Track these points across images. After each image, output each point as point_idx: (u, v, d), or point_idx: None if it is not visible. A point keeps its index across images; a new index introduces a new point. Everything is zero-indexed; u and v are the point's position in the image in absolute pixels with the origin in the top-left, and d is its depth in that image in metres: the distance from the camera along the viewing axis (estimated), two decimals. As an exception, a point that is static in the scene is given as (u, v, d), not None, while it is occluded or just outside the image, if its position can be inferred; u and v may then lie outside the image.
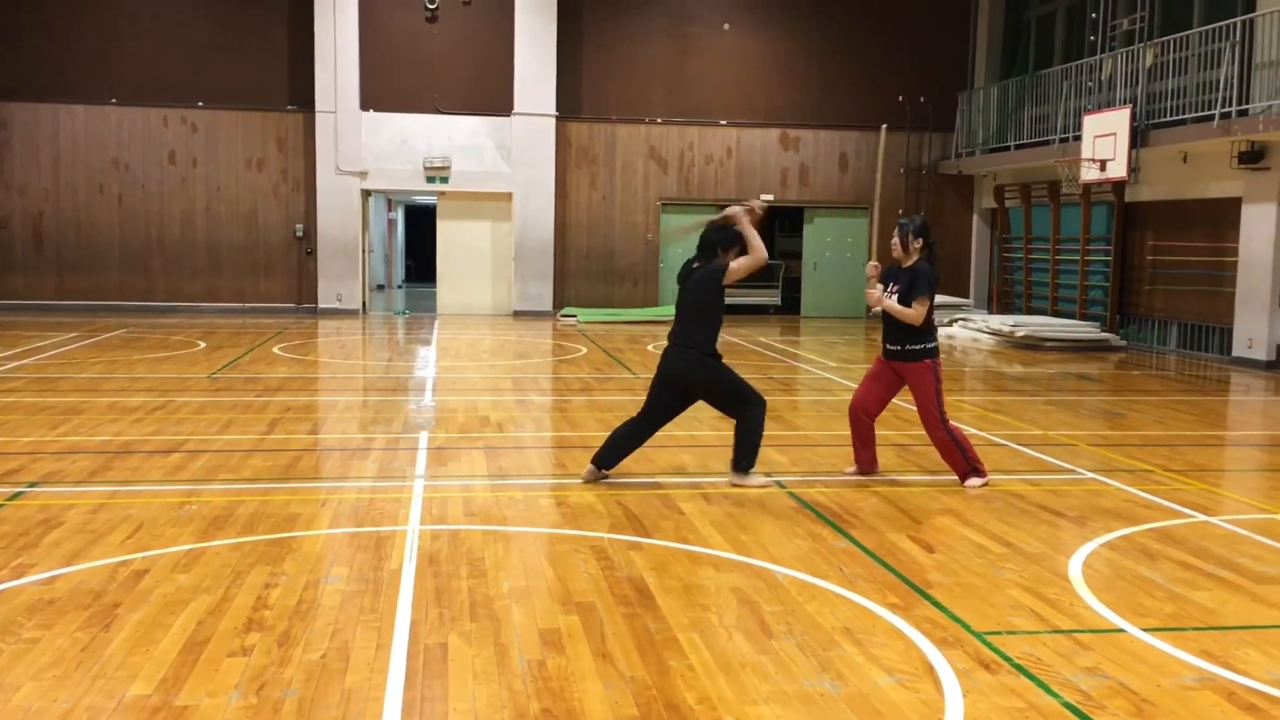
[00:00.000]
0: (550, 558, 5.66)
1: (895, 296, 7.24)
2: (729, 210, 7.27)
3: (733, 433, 7.35)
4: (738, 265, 7.10)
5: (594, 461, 7.37)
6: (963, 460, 7.30)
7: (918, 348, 7.21)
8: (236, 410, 10.07)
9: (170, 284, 21.30)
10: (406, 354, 15.72)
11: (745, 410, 7.17)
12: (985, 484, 7.29)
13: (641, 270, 22.38)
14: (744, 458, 7.26)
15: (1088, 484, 7.54)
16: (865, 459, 7.63)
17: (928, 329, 7.24)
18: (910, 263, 7.28)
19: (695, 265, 7.27)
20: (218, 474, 7.45)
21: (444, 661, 4.27)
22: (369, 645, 4.41)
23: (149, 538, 5.86)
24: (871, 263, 7.65)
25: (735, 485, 7.25)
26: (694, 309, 7.17)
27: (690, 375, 7.15)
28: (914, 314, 7.16)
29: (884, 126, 8.86)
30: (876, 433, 7.67)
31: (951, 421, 7.34)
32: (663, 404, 7.27)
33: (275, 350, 15.05)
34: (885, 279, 7.43)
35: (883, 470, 7.76)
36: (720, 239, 7.21)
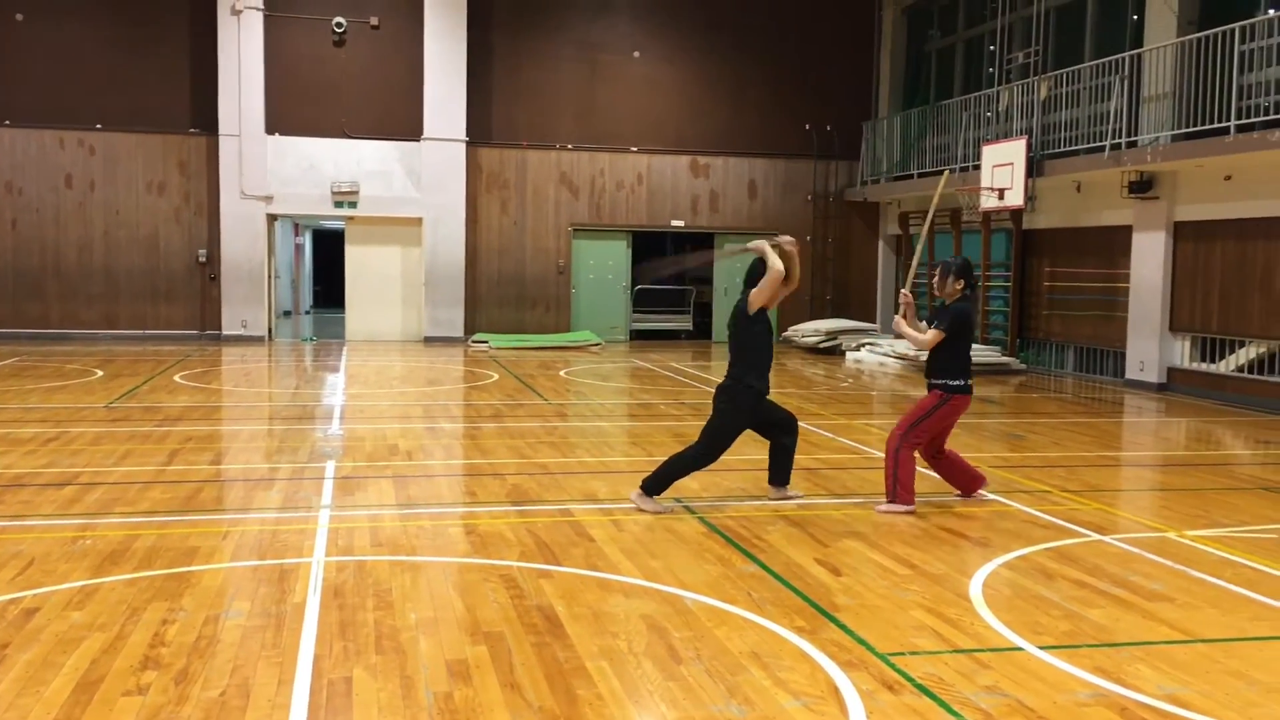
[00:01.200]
0: (459, 587, 5.61)
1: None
2: (753, 244, 7.34)
3: (662, 459, 7.60)
4: (757, 290, 7.18)
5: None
6: (890, 481, 7.42)
7: (938, 381, 7.45)
8: (135, 440, 9.80)
9: (66, 311, 20.68)
10: (314, 381, 15.47)
11: (695, 448, 7.37)
12: (904, 512, 7.35)
13: (553, 296, 22.37)
14: (657, 482, 7.33)
15: (989, 505, 7.72)
16: (962, 484, 7.84)
17: (952, 368, 7.42)
18: (950, 301, 7.51)
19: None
20: (114, 507, 7.24)
21: (348, 696, 4.20)
22: (270, 681, 4.32)
23: (41, 574, 5.66)
24: (904, 291, 7.84)
25: (633, 502, 7.36)
26: (730, 342, 7.39)
27: (715, 399, 7.38)
28: (924, 338, 7.45)
29: (946, 171, 9.14)
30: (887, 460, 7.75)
31: (911, 452, 7.44)
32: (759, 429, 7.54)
33: (176, 378, 14.70)
34: (931, 315, 7.69)
35: (789, 493, 7.86)
36: (759, 269, 7.30)
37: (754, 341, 7.25)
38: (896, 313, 7.84)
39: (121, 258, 20.84)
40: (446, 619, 5.10)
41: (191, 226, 21.04)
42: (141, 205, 20.87)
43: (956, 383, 7.39)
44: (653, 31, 22.45)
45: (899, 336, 7.75)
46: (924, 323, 7.73)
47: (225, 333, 20.89)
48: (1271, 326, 13.80)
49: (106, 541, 6.33)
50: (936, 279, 7.60)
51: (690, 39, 22.56)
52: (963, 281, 7.45)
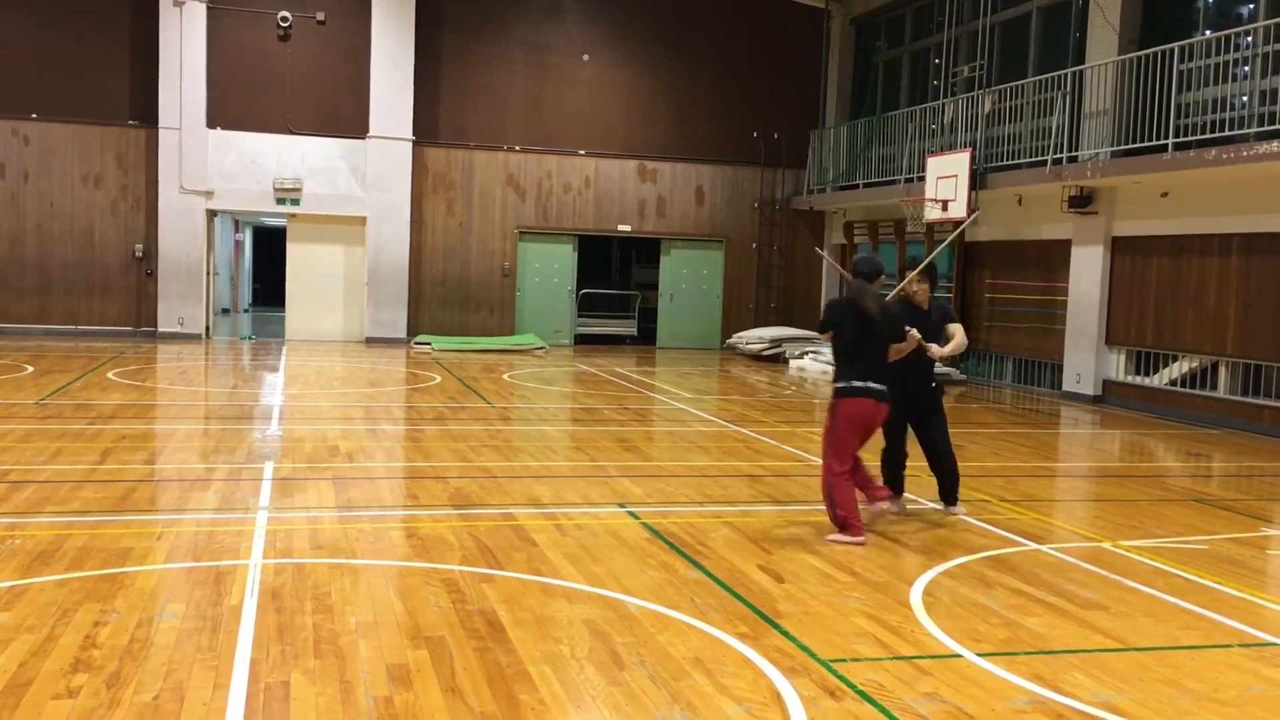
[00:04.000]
0: (400, 591, 5.54)
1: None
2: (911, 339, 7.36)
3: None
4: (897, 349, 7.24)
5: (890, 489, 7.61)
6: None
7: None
8: (66, 438, 9.58)
9: (-4, 304, 20.18)
10: (252, 380, 15.24)
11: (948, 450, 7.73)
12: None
13: (498, 298, 22.25)
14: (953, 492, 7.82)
15: (929, 514, 7.79)
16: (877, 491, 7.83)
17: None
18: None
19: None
20: (44, 506, 7.06)
21: (285, 701, 4.13)
22: (205, 685, 4.23)
23: (-34, 574, 5.51)
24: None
25: (950, 513, 7.79)
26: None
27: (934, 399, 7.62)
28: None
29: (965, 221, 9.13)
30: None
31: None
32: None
33: (110, 375, 14.40)
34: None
35: (732, 500, 7.89)
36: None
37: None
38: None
39: (55, 251, 20.37)
40: (387, 623, 5.03)
41: (128, 220, 20.63)
42: (77, 198, 20.42)
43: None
44: (602, 35, 22.44)
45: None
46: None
47: (161, 330, 20.50)
48: (1204, 341, 14.10)
49: (36, 541, 6.18)
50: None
51: (640, 44, 22.58)
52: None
